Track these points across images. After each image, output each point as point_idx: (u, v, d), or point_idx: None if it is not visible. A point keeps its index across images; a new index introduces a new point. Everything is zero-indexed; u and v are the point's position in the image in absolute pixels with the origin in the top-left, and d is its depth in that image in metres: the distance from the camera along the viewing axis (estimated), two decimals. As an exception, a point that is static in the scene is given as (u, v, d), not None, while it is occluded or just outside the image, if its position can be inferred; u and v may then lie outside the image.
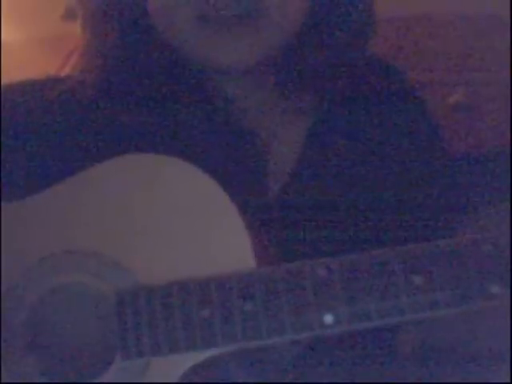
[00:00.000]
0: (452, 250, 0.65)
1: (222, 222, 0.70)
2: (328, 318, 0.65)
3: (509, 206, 0.75)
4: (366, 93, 0.89)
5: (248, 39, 0.81)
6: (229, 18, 0.80)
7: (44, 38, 1.87)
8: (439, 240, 0.66)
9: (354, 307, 0.65)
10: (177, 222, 0.71)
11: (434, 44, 1.96)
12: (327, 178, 0.85)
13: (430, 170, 0.90)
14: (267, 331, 0.66)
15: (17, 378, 0.71)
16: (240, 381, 0.72)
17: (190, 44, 0.83)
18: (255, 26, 0.80)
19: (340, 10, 0.86)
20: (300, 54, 0.86)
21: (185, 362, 0.68)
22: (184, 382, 0.68)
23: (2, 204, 0.75)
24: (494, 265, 0.64)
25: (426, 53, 1.94)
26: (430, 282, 0.65)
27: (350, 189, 0.85)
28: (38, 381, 0.71)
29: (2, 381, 0.71)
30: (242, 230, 0.69)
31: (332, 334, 0.66)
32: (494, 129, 1.89)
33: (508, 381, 0.73)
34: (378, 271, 0.65)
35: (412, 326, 0.75)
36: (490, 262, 0.64)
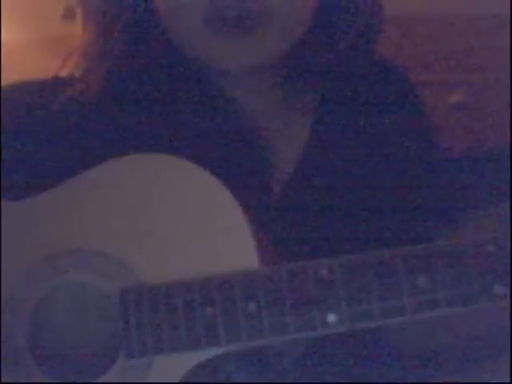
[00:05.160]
0: (455, 251, 0.65)
1: (225, 222, 0.70)
2: (330, 318, 0.66)
3: (509, 206, 0.75)
4: (367, 92, 0.89)
5: (253, 40, 0.80)
6: (233, 20, 0.80)
7: (44, 37, 1.87)
8: (442, 240, 0.66)
9: (356, 307, 0.65)
10: (180, 221, 0.71)
11: (434, 44, 1.96)
12: (329, 176, 0.85)
13: (431, 170, 0.90)
14: (270, 330, 0.66)
15: (17, 378, 0.71)
16: (242, 381, 0.72)
17: (194, 44, 0.83)
18: (260, 28, 0.80)
19: (346, 10, 0.86)
20: (304, 54, 0.86)
21: (188, 361, 0.68)
22: (187, 381, 0.68)
23: (5, 204, 0.75)
24: (497, 265, 0.64)
25: (426, 53, 1.94)
26: (433, 282, 0.65)
27: (352, 188, 0.85)
28: (38, 381, 0.71)
29: (2, 381, 0.71)
30: (246, 229, 0.70)
31: (334, 333, 0.66)
32: (494, 129, 1.89)
33: (508, 381, 0.73)
34: (380, 271, 0.65)
35: (412, 325, 0.75)
36: (493, 263, 0.64)
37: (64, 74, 0.89)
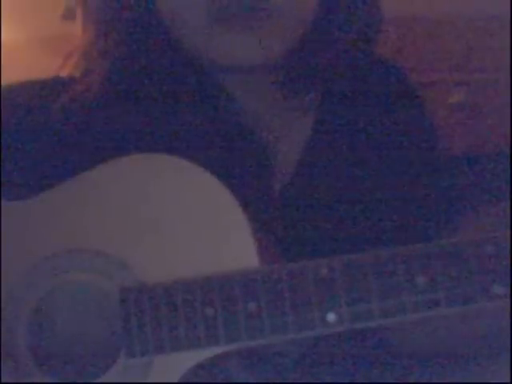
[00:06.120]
0: (454, 250, 0.65)
1: (225, 221, 0.70)
2: (330, 318, 0.66)
3: (509, 206, 0.75)
4: (368, 92, 0.89)
5: (254, 39, 0.80)
6: (235, 18, 0.80)
7: (44, 37, 1.87)
8: (441, 240, 0.66)
9: (356, 306, 0.65)
10: (180, 221, 0.71)
11: (434, 44, 1.96)
12: (330, 176, 0.85)
13: (432, 170, 0.90)
14: (270, 330, 0.66)
15: (17, 378, 0.71)
16: (242, 381, 0.72)
17: (196, 43, 0.83)
18: (261, 26, 0.80)
19: (347, 9, 0.87)
20: (304, 54, 0.86)
21: (188, 360, 0.68)
22: (186, 381, 0.68)
23: (5, 204, 0.75)
24: (496, 265, 0.64)
25: (426, 53, 1.94)
26: (433, 281, 0.65)
27: (353, 187, 0.85)
28: (38, 381, 0.71)
29: (2, 381, 0.71)
30: (246, 228, 0.70)
31: (334, 333, 0.66)
32: (494, 129, 1.89)
33: (508, 381, 0.73)
34: (380, 271, 0.65)
35: (412, 325, 0.75)
36: (492, 262, 0.64)
37: (64, 74, 0.89)
